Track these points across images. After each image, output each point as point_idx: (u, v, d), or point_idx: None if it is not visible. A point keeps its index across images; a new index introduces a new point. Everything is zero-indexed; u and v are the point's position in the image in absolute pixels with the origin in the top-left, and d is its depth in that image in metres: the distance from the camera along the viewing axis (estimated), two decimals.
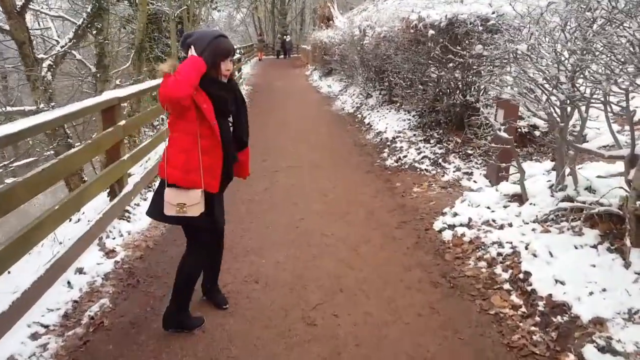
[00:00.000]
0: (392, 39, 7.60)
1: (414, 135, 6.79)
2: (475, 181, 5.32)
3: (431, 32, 5.42)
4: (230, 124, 2.50)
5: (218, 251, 2.92)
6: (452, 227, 4.10)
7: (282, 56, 34.58)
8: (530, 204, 3.91)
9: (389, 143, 7.11)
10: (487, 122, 4.15)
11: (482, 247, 3.64)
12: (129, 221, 4.05)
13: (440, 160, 5.78)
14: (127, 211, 4.15)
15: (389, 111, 8.86)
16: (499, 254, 3.48)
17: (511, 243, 3.51)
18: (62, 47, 7.17)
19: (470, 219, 4.04)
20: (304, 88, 17.42)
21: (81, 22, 7.40)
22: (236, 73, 16.78)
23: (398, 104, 8.87)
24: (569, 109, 3.45)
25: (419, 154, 6.06)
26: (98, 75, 8.45)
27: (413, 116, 7.67)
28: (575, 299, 2.81)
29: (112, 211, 3.75)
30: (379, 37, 8.70)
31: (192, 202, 2.29)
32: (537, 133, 5.61)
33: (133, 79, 9.67)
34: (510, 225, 3.78)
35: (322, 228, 4.29)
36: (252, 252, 3.74)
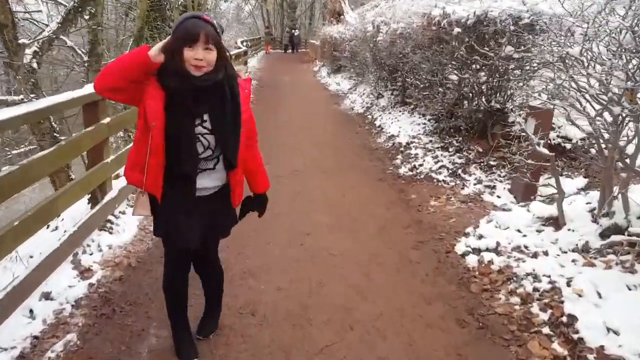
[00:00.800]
0: (410, 36, 7.10)
1: (430, 141, 6.30)
2: (498, 196, 4.83)
3: (457, 29, 4.93)
4: (208, 131, 1.97)
5: (206, 280, 2.54)
6: (477, 251, 3.62)
7: (289, 50, 34.07)
8: (568, 229, 3.43)
9: (402, 149, 6.63)
10: (523, 133, 3.66)
11: (514, 278, 3.17)
12: (110, 233, 3.59)
13: (459, 171, 5.29)
14: (110, 221, 3.68)
15: (402, 113, 8.37)
16: (535, 289, 3.00)
17: (549, 277, 3.03)
18: (48, 32, 6.68)
19: (498, 244, 3.56)
20: (312, 85, 16.93)
21: (72, 5, 6.91)
22: (243, 67, 16.32)
23: (412, 106, 8.38)
24: (629, 124, 2.95)
25: (436, 162, 5.57)
26: (90, 64, 7.93)
27: (429, 120, 7.18)
28: (634, 354, 2.34)
29: (91, 221, 3.30)
30: (395, 34, 8.20)
31: (135, 201, 2.09)
32: (567, 146, 5.12)
33: None
34: (546, 253, 3.31)
35: (330, 246, 3.83)
36: (250, 275, 3.27)
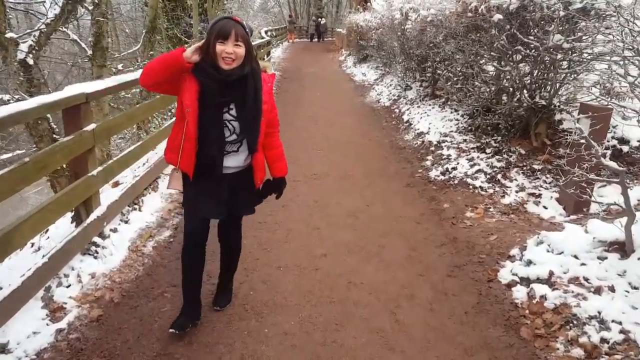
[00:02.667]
0: (442, 24, 6.45)
1: (464, 140, 5.67)
2: (545, 207, 4.21)
3: (498, 16, 4.28)
4: (234, 118, 2.30)
5: (223, 252, 2.80)
6: (525, 281, 3.05)
7: (315, 39, 33.41)
8: (639, 258, 2.82)
9: (432, 148, 6.02)
10: (576, 136, 3.04)
11: (574, 321, 2.59)
12: (95, 257, 3.17)
13: (499, 176, 4.68)
14: (95, 243, 3.26)
15: (432, 107, 7.72)
16: (603, 340, 2.42)
17: (620, 324, 2.45)
18: (45, 24, 6.29)
19: (551, 273, 2.97)
20: (337, 75, 16.31)
21: None
22: (265, 58, 15.82)
23: (443, 100, 7.72)
24: None
25: (471, 166, 4.96)
26: (95, 58, 7.54)
27: (462, 116, 6.53)
28: None
29: (71, 245, 2.87)
30: (425, 22, 7.54)
31: (170, 177, 2.46)
32: (624, 148, 4.43)
33: (137, 64, 8.80)
34: (612, 289, 2.71)
35: (350, 272, 3.31)
36: (253, 312, 2.80)
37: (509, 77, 4.81)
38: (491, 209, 4.30)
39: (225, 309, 2.83)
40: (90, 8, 7.33)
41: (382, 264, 3.46)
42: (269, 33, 21.39)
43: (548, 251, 3.20)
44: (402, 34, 9.67)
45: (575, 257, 3.04)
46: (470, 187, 4.71)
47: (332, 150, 6.57)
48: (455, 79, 6.06)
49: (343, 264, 3.44)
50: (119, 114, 6.47)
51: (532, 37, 4.40)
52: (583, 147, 2.90)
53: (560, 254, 3.13)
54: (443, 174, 5.12)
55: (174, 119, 5.25)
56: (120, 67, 9.37)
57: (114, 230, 3.73)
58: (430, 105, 7.99)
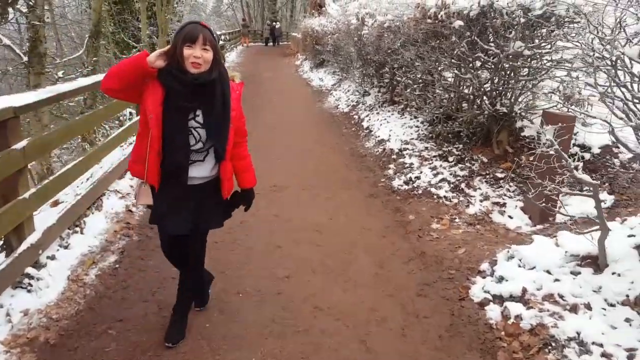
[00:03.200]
0: (400, 30, 6.36)
1: (426, 148, 5.58)
2: (510, 216, 4.15)
3: (458, 22, 4.19)
4: (200, 125, 2.20)
5: (185, 267, 2.60)
6: (498, 299, 2.92)
7: (270, 43, 33.11)
8: (613, 273, 2.75)
9: (394, 156, 5.90)
10: (551, 148, 2.95)
11: (553, 343, 2.47)
12: (29, 291, 2.79)
13: (462, 185, 4.59)
14: (28, 275, 2.87)
15: (392, 114, 7.64)
16: None
17: (601, 346, 2.35)
18: None
19: (525, 290, 2.86)
20: (294, 80, 16.10)
21: None
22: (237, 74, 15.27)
23: (402, 106, 7.65)
24: None
25: (435, 175, 4.86)
26: (31, 65, 6.95)
27: (422, 123, 6.46)
28: None
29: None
30: (382, 28, 7.45)
31: (135, 191, 2.36)
32: (586, 155, 4.44)
33: (79, 71, 8.24)
34: (589, 307, 2.62)
35: (315, 295, 3.09)
36: (210, 349, 2.51)
37: (469, 84, 4.75)
38: (457, 220, 4.19)
39: (178, 345, 2.53)
40: (25, 10, 6.74)
41: (349, 283, 3.25)
42: (222, 37, 20.92)
43: (520, 266, 3.09)
44: (358, 39, 9.59)
45: (548, 272, 2.94)
46: (435, 196, 4.60)
47: (291, 159, 6.33)
48: (414, 85, 5.96)
49: (307, 285, 3.21)
50: (55, 128, 6.00)
51: (492, 44, 4.34)
52: (553, 159, 2.80)
53: (532, 269, 3.02)
54: (406, 183, 5.00)
55: (123, 127, 4.83)
56: (60, 74, 8.73)
57: (52, 258, 3.34)
58: (389, 111, 7.91)
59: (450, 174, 4.77)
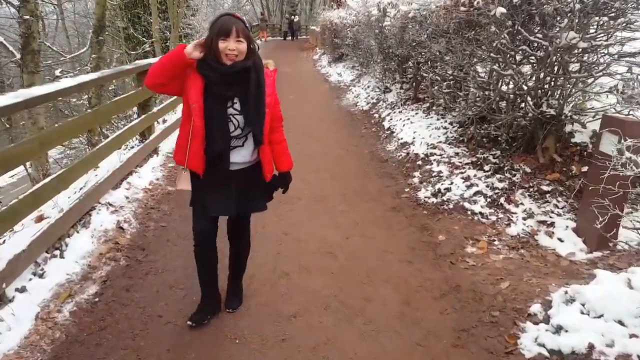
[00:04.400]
0: (426, 20, 5.71)
1: (456, 154, 4.95)
2: (560, 239, 3.51)
3: (500, 10, 3.55)
4: (238, 112, 2.30)
5: (234, 246, 2.80)
6: (557, 355, 2.32)
7: (289, 37, 32.56)
8: None
9: (419, 162, 5.29)
10: (621, 164, 2.32)
11: None
12: None
13: (501, 200, 3.96)
14: None
15: (416, 113, 7.00)
16: None
17: None
18: None
19: (592, 347, 2.25)
20: (312, 76, 15.51)
21: None
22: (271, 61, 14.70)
23: (427, 105, 7.01)
24: None
25: (468, 186, 4.23)
26: (24, 62, 6.50)
27: (451, 124, 5.82)
28: None
29: None
30: (406, 18, 6.81)
31: (178, 177, 2.44)
32: None
33: (77, 70, 7.77)
34: None
35: (327, 342, 2.53)
36: None
37: (510, 81, 4.10)
38: (496, 242, 3.57)
39: None
40: (17, 4, 6.33)
41: (368, 327, 2.69)
42: None
43: (583, 312, 2.47)
44: (380, 31, 8.95)
45: (621, 323, 2.33)
46: (469, 212, 3.98)
47: (305, 164, 5.76)
48: (443, 82, 5.32)
49: (318, 329, 2.66)
50: (50, 128, 5.55)
51: (539, 35, 3.69)
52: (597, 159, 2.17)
53: (599, 317, 2.40)
54: (434, 195, 4.38)
55: (125, 128, 4.48)
56: (58, 72, 8.33)
57: (21, 290, 2.86)
58: (413, 110, 7.27)
59: (487, 186, 4.14)
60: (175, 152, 2.44)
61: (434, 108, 6.75)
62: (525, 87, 3.98)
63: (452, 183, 4.37)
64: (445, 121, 6.06)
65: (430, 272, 3.25)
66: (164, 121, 6.82)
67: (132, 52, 12.00)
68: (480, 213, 3.91)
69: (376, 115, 8.26)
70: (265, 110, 2.33)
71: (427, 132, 5.97)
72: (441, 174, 4.66)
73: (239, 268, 2.87)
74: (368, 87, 10.59)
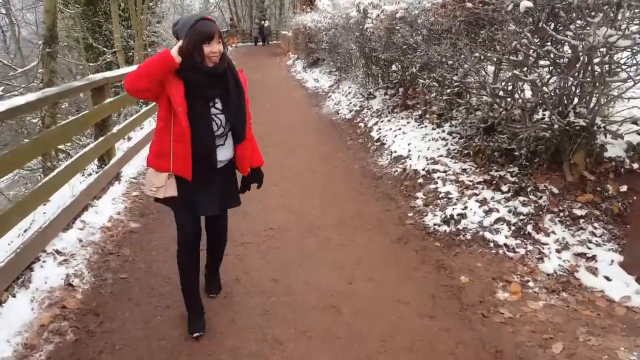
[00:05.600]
0: (417, 20, 5.12)
1: (464, 171, 4.35)
2: (607, 277, 2.93)
3: (526, 4, 2.94)
4: (220, 111, 2.38)
5: (215, 241, 2.84)
6: None
7: (260, 43, 31.85)
8: None
9: (420, 180, 4.67)
10: None
11: None
12: None
13: (529, 228, 3.36)
14: None
15: (407, 122, 6.41)
16: None
17: None
18: None
19: None
20: (287, 82, 14.84)
21: None
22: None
23: (420, 112, 6.42)
24: None
25: (486, 212, 3.62)
26: None
27: (451, 134, 5.23)
28: None
29: None
30: (393, 19, 6.21)
31: (159, 185, 2.38)
32: None
33: (20, 88, 6.88)
34: None
35: None
36: None
37: (531, 87, 3.51)
38: (530, 284, 2.96)
39: None
40: None
41: None
42: None
43: None
44: (360, 34, 8.35)
45: None
46: (491, 244, 3.37)
47: (290, 185, 5.09)
48: (446, 89, 4.71)
49: None
50: None
51: (569, 33, 3.11)
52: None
53: None
54: (446, 221, 3.76)
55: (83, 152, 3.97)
56: (0, 90, 7.43)
57: None
58: (403, 118, 6.68)
59: (509, 211, 3.54)
60: (154, 159, 2.41)
61: (428, 116, 6.17)
62: (549, 94, 3.39)
63: (465, 207, 3.75)
64: (443, 131, 5.47)
65: (460, 332, 2.62)
66: (129, 139, 6.03)
67: (92, 64, 10.99)
68: (505, 245, 3.30)
69: (361, 125, 7.64)
70: (246, 106, 2.46)
71: (423, 144, 5.37)
72: (450, 196, 4.05)
73: (218, 260, 2.96)
74: (349, 93, 9.97)
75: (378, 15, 7.16)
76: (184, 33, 2.20)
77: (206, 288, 2.98)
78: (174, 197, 2.40)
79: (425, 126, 5.90)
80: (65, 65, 12.08)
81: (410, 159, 5.22)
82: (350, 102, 9.21)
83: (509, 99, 3.79)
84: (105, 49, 11.20)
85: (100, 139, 4.59)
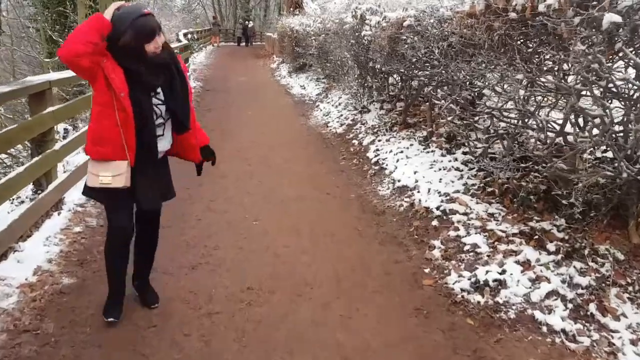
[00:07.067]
0: (429, 30, 4.32)
1: (492, 216, 3.54)
2: None
3: (613, 18, 2.11)
4: (161, 102, 2.36)
5: (147, 240, 2.71)
6: None
7: (243, 43, 30.91)
8: None
9: (435, 221, 3.85)
10: None
11: None
12: None
13: (590, 307, 2.57)
14: None
15: (410, 144, 5.61)
16: None
17: None
18: None
19: None
20: (271, 87, 13.95)
21: None
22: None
23: (425, 133, 5.63)
24: None
25: (533, 281, 2.81)
26: None
27: (465, 164, 4.44)
28: None
29: None
30: (399, 27, 5.41)
31: (116, 173, 2.29)
32: None
33: None
34: None
35: None
36: None
37: (596, 123, 2.73)
38: None
39: None
40: None
41: None
42: (188, 36, 18.49)
43: None
44: (356, 42, 7.56)
45: None
46: (543, 327, 2.56)
47: (275, 219, 4.21)
48: (476, 117, 3.91)
49: None
50: None
51: None
52: None
53: None
54: (477, 287, 2.93)
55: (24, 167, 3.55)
56: None
57: None
58: (404, 138, 5.89)
59: (563, 281, 2.74)
60: (93, 146, 2.33)
61: (434, 139, 5.38)
62: (615, 135, 2.62)
63: (503, 270, 2.94)
64: (456, 159, 4.69)
65: None
66: (77, 153, 5.03)
67: (50, 60, 9.75)
68: (564, 331, 2.50)
69: (355, 142, 6.82)
70: (190, 96, 2.46)
71: (433, 174, 4.57)
72: (478, 250, 3.24)
73: (149, 266, 2.80)
74: (339, 104, 9.16)
75: (379, 22, 6.38)
76: (122, 25, 2.14)
77: (142, 301, 2.76)
78: (125, 189, 2.32)
79: (433, 151, 5.11)
80: (24, 59, 10.95)
81: (418, 192, 4.41)
82: (341, 115, 8.40)
83: (552, 134, 3.00)
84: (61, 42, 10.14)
85: (37, 158, 3.64)
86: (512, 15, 2.95)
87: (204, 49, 24.22)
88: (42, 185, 3.77)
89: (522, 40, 3.07)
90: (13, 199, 3.68)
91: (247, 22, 32.91)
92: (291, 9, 22.81)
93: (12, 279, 2.87)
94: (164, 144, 2.46)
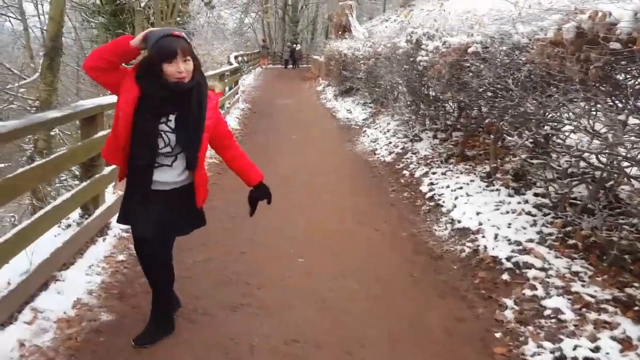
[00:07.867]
0: (498, 57, 3.90)
1: (577, 275, 3.03)
2: None
3: None
4: (171, 130, 2.22)
5: (153, 270, 2.48)
6: None
7: (290, 65, 31.23)
8: None
9: (505, 274, 3.36)
10: None
11: None
12: None
13: None
14: None
15: (470, 179, 5.13)
16: None
17: None
18: None
19: None
20: (316, 110, 13.77)
21: None
22: (219, 84, 12.72)
23: (488, 168, 5.14)
24: None
25: None
26: None
27: (539, 208, 3.94)
28: None
29: None
30: (462, 53, 5.00)
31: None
32: None
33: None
34: None
35: None
36: None
37: None
38: None
39: None
40: None
41: None
42: (239, 58, 18.68)
43: None
44: (410, 67, 7.19)
45: None
46: None
47: (319, 257, 3.84)
48: (563, 162, 3.43)
49: None
50: None
51: None
52: None
53: None
54: None
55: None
56: None
57: None
58: (462, 173, 5.42)
59: None
60: (104, 150, 2.37)
61: (499, 175, 4.88)
62: None
63: (597, 347, 2.43)
64: (526, 201, 4.18)
65: None
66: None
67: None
68: None
69: (406, 172, 6.39)
70: (203, 135, 2.26)
71: (500, 218, 4.08)
72: (562, 317, 2.73)
73: (156, 295, 2.53)
74: (387, 130, 8.78)
75: (437, 47, 5.99)
76: (148, 44, 2.12)
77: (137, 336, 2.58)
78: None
79: (498, 190, 4.61)
80: (85, 77, 11.24)
81: (483, 237, 3.92)
82: (390, 142, 8.00)
83: None
84: (127, 65, 10.28)
85: (86, 182, 3.45)
86: (616, 45, 2.50)
87: (252, 71, 24.53)
88: (89, 209, 3.58)
89: (624, 76, 2.61)
90: (60, 224, 3.49)
91: (294, 44, 33.34)
92: (339, 32, 22.89)
93: (50, 311, 2.62)
94: (169, 176, 2.28)
